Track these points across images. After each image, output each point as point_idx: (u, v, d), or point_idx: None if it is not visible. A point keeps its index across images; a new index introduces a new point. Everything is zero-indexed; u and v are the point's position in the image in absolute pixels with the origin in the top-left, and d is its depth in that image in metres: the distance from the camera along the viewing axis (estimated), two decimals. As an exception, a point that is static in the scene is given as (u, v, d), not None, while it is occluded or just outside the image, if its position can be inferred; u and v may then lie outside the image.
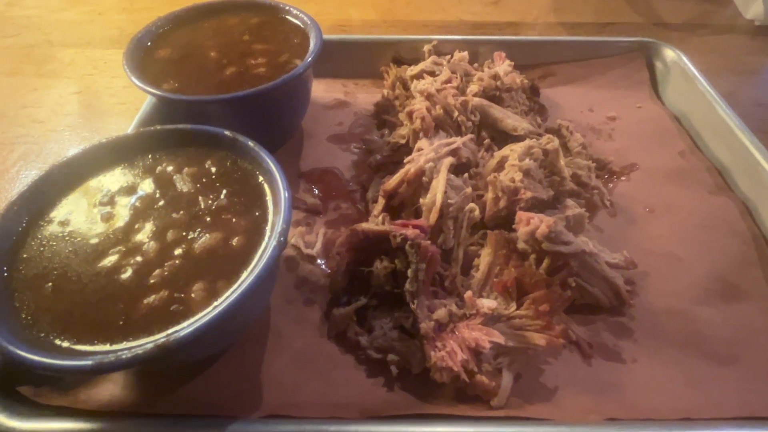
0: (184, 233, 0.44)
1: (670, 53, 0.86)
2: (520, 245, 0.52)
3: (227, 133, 0.51)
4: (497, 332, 0.45)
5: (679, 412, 0.46)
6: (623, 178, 0.71)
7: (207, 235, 0.44)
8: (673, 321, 0.54)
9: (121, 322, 0.38)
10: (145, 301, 0.39)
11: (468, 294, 0.47)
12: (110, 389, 0.46)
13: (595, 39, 0.90)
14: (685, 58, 0.83)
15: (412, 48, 0.88)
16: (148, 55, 0.67)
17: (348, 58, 0.89)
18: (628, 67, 0.87)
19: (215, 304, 0.38)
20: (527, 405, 0.46)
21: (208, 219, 0.46)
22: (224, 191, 0.48)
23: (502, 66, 0.79)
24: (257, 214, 0.46)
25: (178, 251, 0.42)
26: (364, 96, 0.86)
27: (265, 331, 0.53)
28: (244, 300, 0.37)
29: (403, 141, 0.66)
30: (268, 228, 0.44)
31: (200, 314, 0.37)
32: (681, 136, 0.76)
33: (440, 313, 0.47)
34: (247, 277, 0.39)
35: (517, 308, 0.48)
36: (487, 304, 0.46)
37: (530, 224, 0.50)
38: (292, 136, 0.76)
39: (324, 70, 0.89)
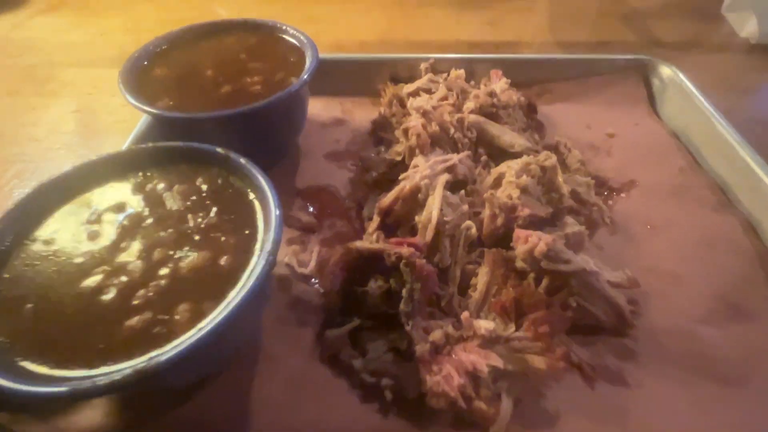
0: (171, 252, 0.43)
1: (666, 70, 0.86)
2: (519, 264, 0.50)
3: (219, 150, 0.51)
4: (495, 355, 0.44)
5: (688, 439, 0.44)
6: (623, 195, 0.70)
7: (195, 254, 0.43)
8: (678, 342, 0.52)
9: (101, 346, 0.36)
10: (127, 324, 0.37)
11: (465, 315, 0.45)
12: (91, 416, 0.44)
13: (592, 57, 0.91)
14: (681, 75, 0.83)
15: (408, 66, 0.88)
16: (144, 73, 0.67)
17: (345, 77, 0.89)
18: (625, 85, 0.87)
19: (200, 326, 0.36)
20: (528, 432, 0.44)
21: (197, 237, 0.44)
22: (214, 209, 0.47)
23: (499, 84, 0.79)
24: (247, 232, 0.45)
25: (164, 271, 0.41)
26: (362, 114, 0.86)
27: (257, 353, 0.52)
28: (231, 321, 0.36)
29: (399, 158, 0.66)
30: (258, 247, 0.43)
31: (184, 337, 0.36)
32: (680, 153, 0.76)
33: (436, 334, 0.46)
34: (234, 298, 0.38)
35: (516, 329, 0.46)
36: (485, 325, 0.44)
37: (528, 242, 0.49)
38: (288, 153, 0.76)
39: (321, 89, 0.89)
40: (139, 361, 0.34)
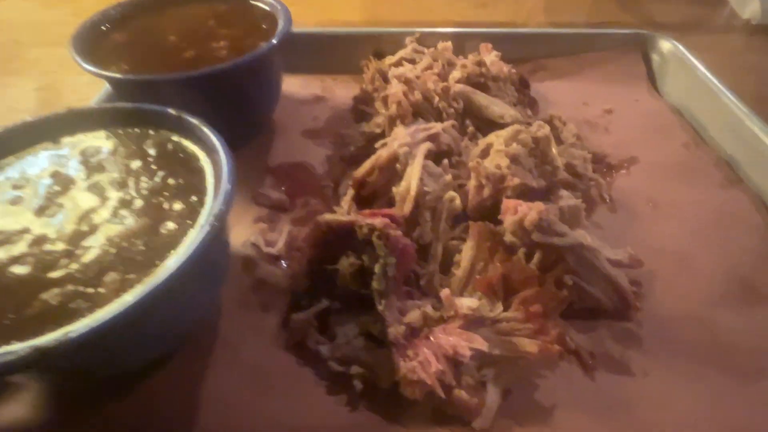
0: (104, 219, 0.37)
1: (667, 45, 0.81)
2: (508, 238, 0.45)
3: (171, 111, 0.45)
4: (480, 338, 0.38)
5: (703, 435, 0.38)
6: (623, 171, 0.65)
7: (132, 221, 0.37)
8: (689, 328, 0.46)
9: (7, 322, 0.30)
10: (42, 297, 0.31)
11: (445, 292, 0.40)
12: (14, 411, 0.38)
13: (589, 31, 0.85)
14: (683, 49, 0.78)
15: (394, 42, 0.82)
16: (101, 38, 0.61)
17: (326, 53, 0.84)
18: (623, 61, 0.82)
19: (122, 299, 0.30)
20: (518, 427, 0.38)
21: (137, 204, 0.39)
22: (160, 174, 0.41)
23: (489, 57, 0.74)
24: (194, 199, 0.39)
25: (93, 240, 0.35)
26: (343, 91, 0.80)
27: (213, 341, 0.46)
28: (158, 295, 0.30)
29: (378, 130, 0.60)
30: (205, 215, 0.37)
31: (102, 312, 0.30)
32: (684, 129, 0.70)
33: (413, 315, 0.40)
34: (166, 270, 0.32)
35: (504, 310, 0.41)
36: (468, 303, 0.38)
37: (518, 212, 0.43)
38: (261, 130, 0.70)
39: (301, 66, 0.84)
40: (45, 339, 0.28)
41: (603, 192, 0.59)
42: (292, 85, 0.82)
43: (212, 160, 0.42)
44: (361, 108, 0.71)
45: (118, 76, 0.53)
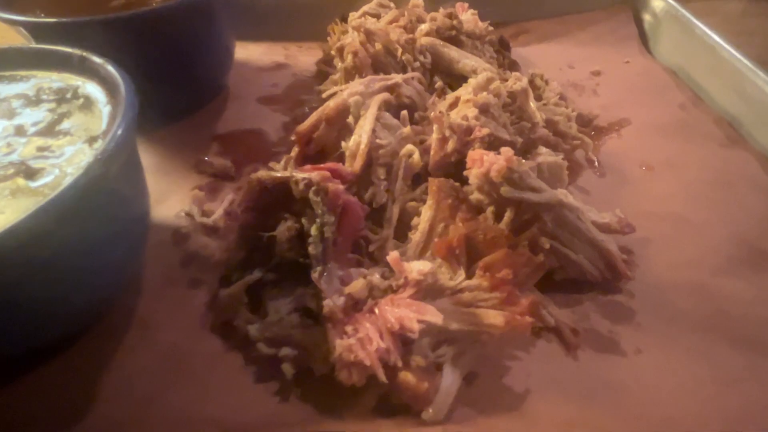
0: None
1: (659, 3, 0.74)
2: (473, 196, 0.38)
3: (75, 51, 0.38)
4: (433, 308, 0.31)
5: (707, 421, 0.31)
6: (612, 134, 0.58)
7: (12, 170, 0.30)
8: (688, 297, 0.39)
9: None
10: None
11: (392, 255, 0.33)
12: None
13: (574, -9, 0.79)
14: (678, 6, 0.71)
15: (364, 5, 0.76)
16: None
17: (290, 19, 0.77)
18: (613, 22, 0.76)
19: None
20: (482, 417, 0.31)
21: (21, 150, 0.32)
22: (51, 118, 0.34)
23: (465, 15, 0.67)
24: (83, 144, 0.32)
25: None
26: (308, 59, 0.73)
27: (127, 322, 0.39)
28: (19, 247, 0.23)
29: (335, 88, 0.53)
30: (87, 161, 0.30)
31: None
32: (680, 89, 0.63)
33: (356, 285, 0.33)
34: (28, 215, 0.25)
35: (467, 278, 0.34)
36: (418, 267, 0.31)
37: (485, 162, 0.36)
38: (212, 96, 0.64)
39: (264, 33, 0.77)
40: None
41: (589, 152, 0.52)
42: (253, 52, 0.75)
43: (113, 101, 0.35)
44: (324, 70, 0.64)
45: (32, 19, 0.46)
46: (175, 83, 0.57)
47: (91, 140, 0.32)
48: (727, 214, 0.46)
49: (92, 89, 0.37)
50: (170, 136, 0.58)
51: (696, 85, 0.64)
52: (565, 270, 0.40)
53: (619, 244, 0.42)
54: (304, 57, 0.75)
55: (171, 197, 0.50)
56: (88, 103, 0.35)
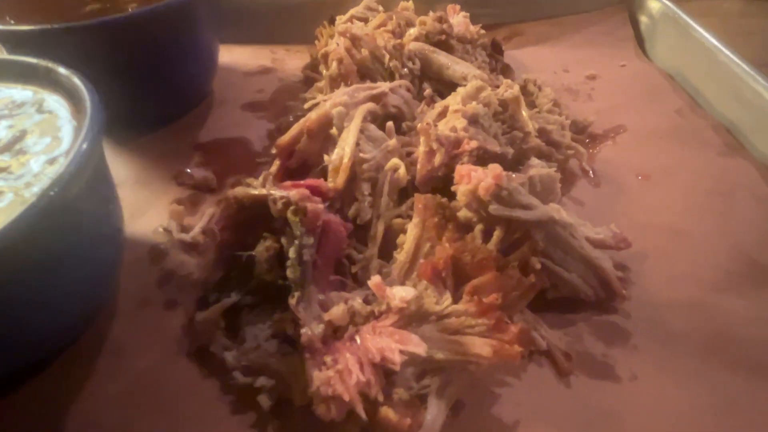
0: None
1: (656, 5, 0.72)
2: (461, 213, 0.36)
3: (41, 62, 0.36)
4: (417, 338, 0.29)
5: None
6: (608, 142, 0.56)
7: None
8: (686, 317, 0.38)
9: None
10: None
11: (375, 280, 0.31)
12: None
13: (569, -8, 0.77)
14: (675, 8, 0.69)
15: (354, 6, 0.74)
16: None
17: (278, 21, 0.75)
18: (608, 23, 0.74)
19: None
20: (470, 452, 0.30)
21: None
22: (11, 135, 0.32)
23: (456, 18, 0.65)
24: (45, 163, 0.30)
25: None
26: (295, 62, 0.71)
27: (100, 346, 0.37)
28: None
29: (320, 96, 0.51)
30: (47, 180, 0.28)
31: None
32: (677, 93, 0.62)
33: (336, 311, 0.31)
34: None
35: (454, 303, 0.32)
36: (401, 294, 0.30)
37: (472, 179, 0.34)
38: (195, 103, 0.61)
39: (250, 36, 0.75)
40: None
41: (584, 163, 0.50)
42: (239, 56, 0.73)
43: (78, 116, 0.33)
44: (311, 76, 0.62)
45: (2, 28, 0.44)
46: (154, 91, 0.55)
47: (52, 160, 0.30)
48: (725, 225, 0.45)
49: (57, 104, 0.34)
50: (151, 145, 0.56)
51: (693, 89, 0.63)
52: (557, 289, 0.38)
53: (614, 260, 0.41)
54: (292, 61, 0.73)
55: (149, 210, 0.48)
56: (51, 119, 0.33)
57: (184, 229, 0.45)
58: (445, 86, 0.53)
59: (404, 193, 0.41)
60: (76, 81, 0.34)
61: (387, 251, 0.38)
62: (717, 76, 0.60)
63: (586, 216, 0.45)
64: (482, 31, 0.63)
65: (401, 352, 0.28)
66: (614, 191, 0.50)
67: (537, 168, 0.42)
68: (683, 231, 0.45)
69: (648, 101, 0.61)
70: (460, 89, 0.45)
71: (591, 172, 0.52)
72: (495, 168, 0.34)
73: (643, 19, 0.74)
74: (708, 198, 0.47)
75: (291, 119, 0.52)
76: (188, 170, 0.51)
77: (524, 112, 0.47)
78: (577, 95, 0.64)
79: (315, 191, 0.36)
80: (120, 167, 0.53)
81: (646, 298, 0.39)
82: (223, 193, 0.50)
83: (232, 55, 0.73)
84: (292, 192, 0.34)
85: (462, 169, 0.36)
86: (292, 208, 0.33)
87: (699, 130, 0.56)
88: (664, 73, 0.66)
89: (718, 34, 0.82)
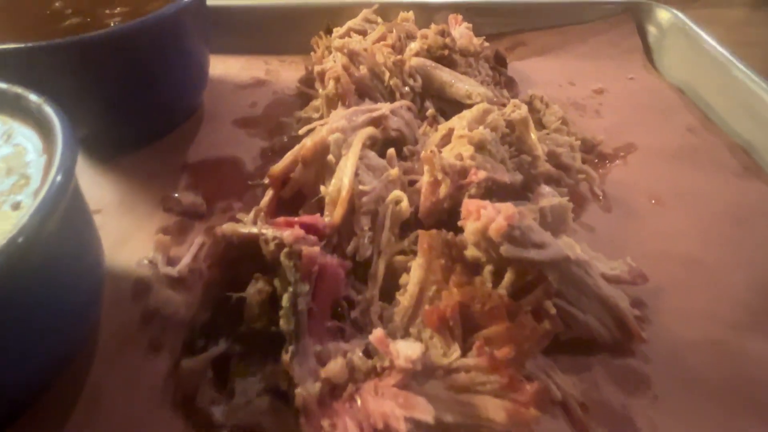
0: None
1: (665, 15, 0.70)
2: (469, 252, 0.33)
3: (11, 89, 0.33)
4: (424, 401, 0.26)
5: None
6: (618, 162, 0.54)
7: None
8: (707, 359, 0.35)
9: None
10: None
11: (377, 334, 0.28)
12: None
13: (575, 0, 0.74)
14: (685, 18, 0.67)
15: (351, 15, 0.70)
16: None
17: (271, 31, 0.72)
18: (615, 33, 0.71)
19: None
20: None
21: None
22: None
23: (458, 29, 0.63)
24: (7, 209, 0.27)
25: None
26: (289, 74, 0.68)
27: (77, 392, 0.34)
28: None
29: (317, 115, 0.49)
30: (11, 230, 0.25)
31: None
32: (688, 109, 0.59)
33: (334, 367, 0.28)
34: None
35: (462, 354, 0.29)
36: (406, 352, 0.27)
37: (482, 217, 0.32)
38: (183, 118, 0.58)
39: (243, 46, 0.72)
40: None
41: (595, 186, 0.48)
42: (231, 66, 0.70)
43: (49, 150, 0.30)
44: (306, 92, 0.59)
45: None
46: (139, 108, 0.51)
47: (16, 205, 0.27)
48: (744, 255, 0.43)
49: (25, 136, 0.31)
50: (136, 165, 0.53)
51: (705, 104, 0.60)
52: (571, 329, 0.36)
53: (630, 295, 0.38)
54: (286, 72, 0.70)
55: (133, 239, 0.45)
56: (18, 154, 0.30)
57: (171, 261, 0.42)
58: (448, 104, 0.51)
59: (406, 224, 0.38)
60: (47, 110, 0.31)
61: (388, 291, 0.36)
62: (730, 91, 0.58)
63: (597, 243, 0.43)
64: (486, 44, 0.60)
65: (406, 418, 0.25)
66: (626, 216, 0.48)
67: (548, 197, 0.40)
68: (700, 261, 0.42)
69: (658, 117, 0.59)
70: (465, 113, 0.42)
71: (602, 195, 0.49)
72: (507, 208, 0.31)
73: (651, 30, 0.71)
74: (725, 224, 0.45)
75: (285, 139, 0.49)
76: (176, 195, 0.48)
77: (533, 135, 0.44)
78: (584, 110, 0.61)
79: (310, 229, 0.33)
80: (102, 190, 0.50)
81: (665, 337, 0.37)
82: (212, 221, 0.48)
83: (224, 66, 0.69)
84: (286, 233, 0.31)
85: (470, 205, 0.33)
86: (285, 250, 0.30)
87: (713, 149, 0.53)
88: (674, 86, 0.64)
89: (723, 43, 0.80)
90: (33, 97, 0.32)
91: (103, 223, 0.46)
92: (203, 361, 0.32)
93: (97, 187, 0.50)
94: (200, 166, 0.53)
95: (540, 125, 0.54)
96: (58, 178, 0.27)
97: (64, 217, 0.29)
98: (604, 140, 0.55)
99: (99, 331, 0.38)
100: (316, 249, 0.30)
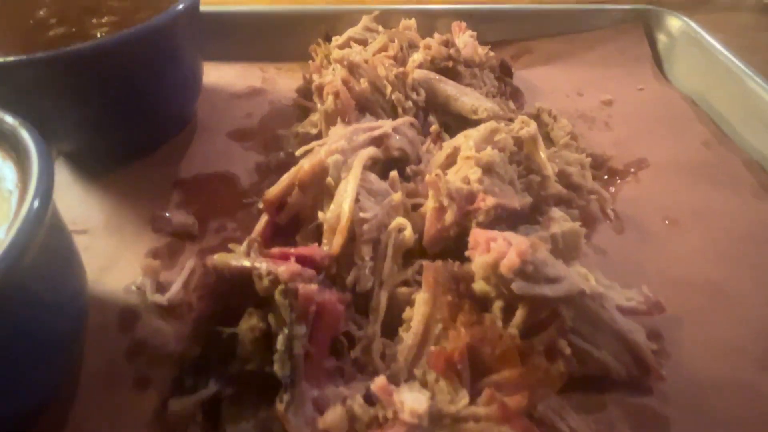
0: None
1: (676, 22, 0.68)
2: (478, 286, 0.31)
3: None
4: (430, 458, 0.24)
5: None
6: (629, 178, 0.51)
7: None
8: (731, 401, 0.33)
9: None
10: None
11: (379, 383, 0.26)
12: None
13: (582, 7, 0.72)
14: (696, 26, 0.65)
15: (351, 21, 0.68)
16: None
17: (268, 37, 0.70)
18: (623, 41, 0.69)
19: None
20: None
21: None
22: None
23: (462, 37, 0.60)
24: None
25: None
26: (287, 82, 0.66)
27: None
28: None
29: (315, 131, 0.46)
30: None
31: None
32: (701, 122, 0.57)
33: (332, 418, 0.26)
34: None
35: (471, 400, 0.27)
36: (412, 405, 0.25)
37: (492, 251, 0.29)
38: (176, 130, 0.56)
39: (238, 52, 0.70)
40: None
41: (606, 207, 0.46)
42: (225, 75, 0.68)
43: (24, 182, 0.28)
44: (303, 104, 0.56)
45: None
46: (128, 121, 0.49)
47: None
48: (765, 281, 0.40)
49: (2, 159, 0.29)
50: (124, 182, 0.50)
51: (719, 116, 0.58)
52: (586, 366, 0.33)
53: (646, 326, 0.36)
54: (283, 80, 0.67)
55: (121, 261, 0.43)
56: (-6, 181, 0.28)
57: (160, 286, 0.40)
58: (452, 118, 0.48)
59: (409, 251, 0.36)
60: (23, 135, 0.29)
61: (391, 323, 0.33)
62: (745, 102, 0.55)
63: (610, 267, 0.40)
64: (491, 53, 0.58)
65: (412, 480, 0.23)
66: (639, 238, 0.45)
67: (559, 222, 0.38)
68: (719, 287, 0.40)
69: (670, 131, 0.56)
70: (472, 131, 0.40)
71: (613, 215, 0.47)
72: (520, 243, 0.29)
73: (661, 38, 0.69)
74: (744, 247, 0.43)
75: (282, 155, 0.47)
76: (166, 214, 0.46)
77: (542, 153, 0.42)
78: (593, 123, 0.59)
79: (307, 262, 0.31)
80: (88, 209, 0.47)
81: (684, 375, 0.35)
82: (204, 242, 0.45)
83: (218, 74, 0.67)
84: (281, 268, 0.28)
85: (478, 236, 0.31)
86: (280, 288, 0.28)
87: (729, 166, 0.51)
88: (686, 97, 0.62)
89: (731, 50, 0.78)
90: (9, 119, 0.30)
91: (89, 245, 0.44)
92: (192, 404, 0.30)
93: (83, 206, 0.48)
94: (192, 183, 0.50)
95: (548, 140, 0.52)
96: (33, 209, 0.25)
97: (40, 249, 0.26)
98: (615, 155, 0.53)
99: (82, 366, 0.36)
100: (314, 287, 0.28)
